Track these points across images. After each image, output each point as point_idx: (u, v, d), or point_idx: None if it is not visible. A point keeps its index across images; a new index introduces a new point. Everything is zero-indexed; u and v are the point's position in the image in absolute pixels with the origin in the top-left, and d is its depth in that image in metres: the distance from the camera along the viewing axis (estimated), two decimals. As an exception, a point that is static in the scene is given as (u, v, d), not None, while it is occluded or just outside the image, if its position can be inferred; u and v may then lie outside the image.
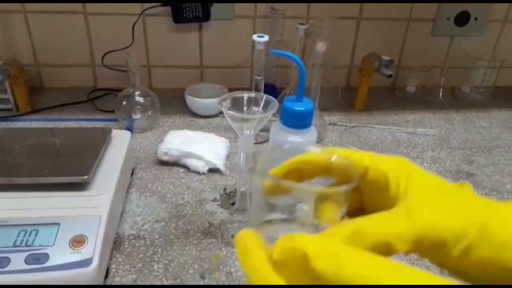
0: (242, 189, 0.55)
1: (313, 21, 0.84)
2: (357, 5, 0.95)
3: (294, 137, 0.57)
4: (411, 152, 0.79)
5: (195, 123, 0.86)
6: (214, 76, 0.99)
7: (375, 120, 0.90)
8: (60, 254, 0.45)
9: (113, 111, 0.87)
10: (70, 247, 0.46)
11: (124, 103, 0.80)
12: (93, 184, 0.54)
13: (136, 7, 0.88)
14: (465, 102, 1.02)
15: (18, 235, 0.47)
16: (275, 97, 0.74)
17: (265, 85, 0.92)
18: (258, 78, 0.74)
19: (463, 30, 1.00)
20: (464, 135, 0.88)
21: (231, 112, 0.47)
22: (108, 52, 0.89)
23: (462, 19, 0.99)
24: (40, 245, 0.46)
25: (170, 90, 0.95)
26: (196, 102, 0.86)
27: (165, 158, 0.71)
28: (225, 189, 0.67)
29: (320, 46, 0.74)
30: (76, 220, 0.49)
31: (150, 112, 0.82)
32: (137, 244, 0.55)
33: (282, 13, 0.86)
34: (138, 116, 0.81)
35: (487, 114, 0.97)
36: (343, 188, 0.27)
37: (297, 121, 0.54)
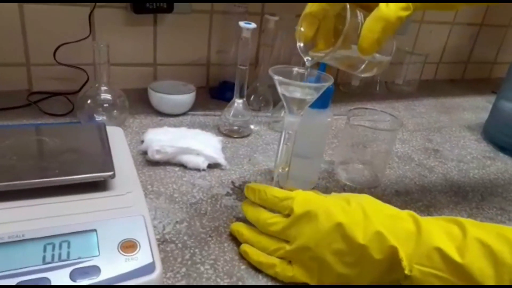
0: (281, 171, 0.52)
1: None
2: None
3: (312, 117, 0.56)
4: (379, 134, 0.84)
5: (165, 122, 0.79)
6: (167, 74, 0.92)
7: (336, 111, 0.94)
8: (112, 264, 0.37)
9: (62, 115, 0.75)
10: (121, 254, 0.38)
11: (88, 102, 0.69)
12: (115, 182, 0.45)
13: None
14: (398, 93, 1.14)
15: (45, 250, 0.37)
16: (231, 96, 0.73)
17: (228, 83, 0.90)
18: (243, 68, 0.72)
19: (391, 29, 1.12)
20: (413, 120, 0.97)
21: (297, 82, 0.44)
22: (62, 45, 0.76)
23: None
24: (79, 258, 0.37)
25: (123, 90, 0.85)
26: (165, 99, 0.79)
27: (157, 156, 0.63)
28: (233, 183, 0.62)
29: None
30: (115, 224, 0.40)
31: (115, 112, 0.72)
32: (168, 249, 0.48)
33: (246, 7, 0.85)
34: (103, 117, 0.71)
35: (420, 102, 1.09)
36: None
37: (317, 99, 0.53)
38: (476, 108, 1.12)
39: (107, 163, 0.45)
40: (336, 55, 0.44)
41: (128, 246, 0.39)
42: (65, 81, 0.82)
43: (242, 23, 0.69)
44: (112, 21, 0.83)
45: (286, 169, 0.52)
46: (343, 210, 0.43)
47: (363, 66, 0.46)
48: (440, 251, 0.38)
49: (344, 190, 0.64)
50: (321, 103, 0.56)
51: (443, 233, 0.39)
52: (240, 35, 0.70)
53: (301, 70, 0.49)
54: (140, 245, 0.39)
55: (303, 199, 0.45)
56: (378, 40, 0.41)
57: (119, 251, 0.38)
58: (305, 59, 0.47)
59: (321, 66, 0.53)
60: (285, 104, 0.48)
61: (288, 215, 0.45)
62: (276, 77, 0.45)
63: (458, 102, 1.15)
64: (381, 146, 0.66)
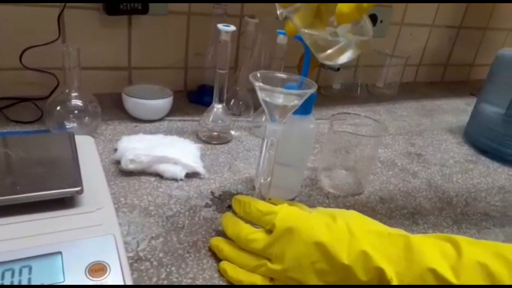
0: (263, 181, 0.49)
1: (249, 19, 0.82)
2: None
3: (295, 124, 0.54)
4: (362, 139, 0.83)
5: (141, 129, 0.75)
6: (143, 78, 0.89)
7: (318, 115, 0.92)
8: (79, 291, 0.34)
9: (30, 122, 0.71)
10: (89, 278, 0.35)
11: (58, 108, 0.65)
12: (84, 198, 0.42)
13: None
14: (379, 96, 1.13)
15: (2, 278, 0.33)
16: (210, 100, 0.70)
17: (206, 86, 0.87)
18: (222, 72, 0.69)
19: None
20: (394, 123, 0.96)
21: (279, 88, 0.41)
22: (28, 48, 0.71)
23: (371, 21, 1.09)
24: (42, 284, 0.33)
25: (94, 95, 0.81)
26: (140, 104, 0.76)
27: (131, 166, 0.60)
28: (212, 193, 0.59)
29: (282, 38, 0.73)
30: (83, 245, 0.37)
31: (87, 119, 0.68)
32: (142, 268, 0.45)
33: (224, 8, 0.82)
34: (74, 124, 0.67)
35: (401, 105, 1.09)
36: None
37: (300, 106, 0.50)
38: (456, 110, 1.12)
39: (75, 177, 0.42)
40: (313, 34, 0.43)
41: (97, 269, 0.36)
42: (33, 86, 0.77)
43: (220, 26, 0.66)
44: (84, 22, 0.79)
45: (269, 179, 0.49)
46: (327, 227, 0.41)
47: (337, 47, 0.43)
48: (434, 272, 0.35)
49: (328, 198, 0.62)
50: (304, 109, 0.54)
51: (436, 252, 0.37)
52: (218, 37, 0.67)
53: (283, 75, 0.47)
54: (110, 268, 0.36)
55: (286, 215, 0.43)
56: (358, 7, 0.39)
57: (86, 275, 0.35)
58: (278, 12, 0.46)
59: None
60: (266, 111, 0.45)
61: (270, 231, 0.43)
62: (257, 84, 0.42)
63: (438, 104, 1.15)
64: (365, 151, 0.65)
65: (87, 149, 0.51)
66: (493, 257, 0.35)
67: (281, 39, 0.73)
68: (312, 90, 0.43)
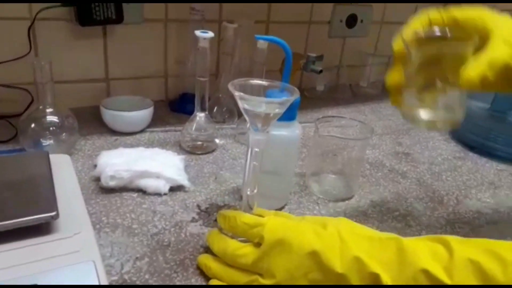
0: (249, 193, 0.47)
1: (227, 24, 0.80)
2: (265, 8, 0.96)
3: (279, 131, 0.53)
4: (349, 142, 0.82)
5: (121, 142, 0.73)
6: (122, 89, 0.86)
7: (302, 119, 0.91)
8: (56, 327, 0.31)
9: (5, 141, 0.67)
10: (68, 312, 0.32)
11: (32, 126, 0.62)
12: (60, 223, 0.39)
13: (22, 9, 0.70)
14: (363, 96, 1.12)
15: (-28, 317, 0.31)
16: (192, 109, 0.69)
17: (188, 95, 0.85)
18: (202, 79, 0.67)
19: (353, 31, 1.10)
20: (380, 122, 0.96)
21: (258, 97, 0.40)
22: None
23: (351, 21, 1.09)
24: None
25: (72, 109, 0.78)
26: (119, 117, 0.73)
27: (112, 183, 0.57)
28: (199, 206, 0.57)
29: (262, 43, 0.71)
30: (60, 274, 0.34)
31: (64, 135, 0.65)
32: (127, 292, 0.42)
33: (202, 14, 0.80)
34: (50, 141, 0.64)
35: (386, 104, 1.08)
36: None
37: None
38: (441, 106, 1.11)
39: (49, 201, 0.39)
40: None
41: (76, 300, 0.33)
42: (7, 103, 0.74)
43: (198, 32, 0.64)
44: (56, 35, 0.76)
45: (255, 190, 0.47)
46: (318, 235, 0.39)
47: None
48: (426, 273, 0.34)
49: (318, 204, 0.61)
50: (288, 115, 0.52)
51: (428, 253, 0.36)
52: (197, 44, 0.65)
53: (264, 82, 0.45)
54: (90, 298, 0.34)
55: (274, 226, 0.41)
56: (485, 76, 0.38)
57: (64, 309, 0.32)
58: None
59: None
60: (248, 120, 0.43)
61: (259, 244, 0.41)
62: (236, 93, 0.40)
63: (423, 101, 1.14)
64: (352, 153, 0.63)
65: (63, 168, 0.49)
66: (484, 254, 0.34)
67: (261, 43, 0.71)
68: (295, 97, 0.42)
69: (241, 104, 0.42)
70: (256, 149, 0.45)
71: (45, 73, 0.60)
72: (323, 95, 1.07)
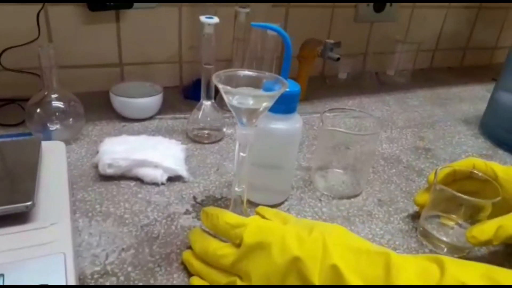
0: (237, 189, 0.45)
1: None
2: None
3: (278, 124, 0.50)
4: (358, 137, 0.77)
5: (128, 129, 0.72)
6: (136, 74, 0.85)
7: (319, 108, 0.87)
8: (16, 320, 0.31)
9: (15, 125, 0.69)
10: (29, 305, 0.32)
11: (38, 111, 0.63)
12: (38, 212, 0.39)
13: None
14: (390, 85, 1.06)
15: None
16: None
17: (197, 81, 0.83)
18: (208, 67, 0.65)
19: (381, 16, 1.04)
20: (404, 114, 0.90)
21: (244, 89, 0.37)
22: (8, 48, 0.69)
23: (379, 5, 1.02)
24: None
25: (84, 94, 0.78)
26: (127, 103, 0.73)
27: (109, 171, 0.57)
28: (194, 198, 0.56)
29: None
30: (28, 266, 0.34)
31: (71, 120, 0.66)
32: (108, 283, 0.42)
33: (216, -3, 0.78)
34: (57, 126, 0.64)
35: (414, 94, 1.02)
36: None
37: (281, 104, 0.45)
38: (475, 98, 1.04)
39: (27, 191, 0.39)
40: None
41: (39, 294, 0.33)
42: (19, 87, 0.75)
43: (203, 18, 0.62)
44: (69, 20, 0.76)
45: (244, 186, 0.45)
46: (300, 241, 0.36)
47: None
48: None
49: (320, 201, 0.58)
50: (286, 107, 0.49)
51: (417, 272, 0.32)
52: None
53: (252, 73, 0.42)
54: (54, 293, 0.33)
55: (256, 227, 0.39)
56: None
57: (27, 302, 0.32)
58: None
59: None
60: (234, 114, 0.41)
61: (239, 245, 0.39)
62: (221, 86, 0.38)
63: (456, 92, 1.07)
64: (365, 147, 0.59)
65: (55, 156, 0.48)
66: (481, 279, 0.30)
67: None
68: (282, 90, 0.39)
69: (226, 97, 0.39)
70: (244, 144, 0.43)
71: (50, 58, 0.60)
72: (346, 83, 1.02)
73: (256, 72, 0.42)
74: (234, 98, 0.39)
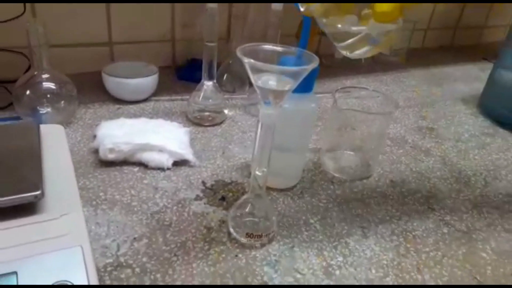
0: (258, 173, 0.43)
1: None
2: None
3: (292, 104, 0.47)
4: (370, 115, 0.76)
5: (124, 111, 0.68)
6: (126, 54, 0.81)
7: (319, 89, 0.85)
8: (36, 321, 0.28)
9: (1, 109, 0.64)
10: (49, 304, 0.29)
11: (28, 93, 0.58)
12: (46, 202, 0.35)
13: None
14: (385, 64, 1.04)
15: None
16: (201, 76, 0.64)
17: (197, 61, 0.79)
18: (210, 45, 0.61)
19: (376, -7, 1.02)
20: (403, 94, 0.89)
21: (272, 65, 0.34)
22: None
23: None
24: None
25: (71, 75, 0.73)
26: (122, 84, 0.68)
27: (111, 156, 0.53)
28: (204, 183, 0.53)
29: (277, 4, 0.64)
30: (43, 261, 0.31)
31: (63, 103, 0.61)
32: (122, 276, 0.39)
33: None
34: (48, 109, 0.60)
35: (409, 74, 1.01)
36: None
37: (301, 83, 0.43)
38: (469, 77, 1.04)
39: (34, 179, 0.35)
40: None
41: (59, 292, 0.30)
42: (3, 68, 0.69)
43: (206, -9, 0.58)
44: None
45: (265, 169, 0.43)
46: None
47: (358, 37, 0.41)
48: None
49: (333, 184, 0.56)
50: (304, 86, 0.47)
51: None
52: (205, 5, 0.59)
53: (278, 48, 0.39)
54: (75, 289, 0.30)
55: None
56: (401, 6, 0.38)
57: (46, 300, 0.29)
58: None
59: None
60: (259, 93, 0.38)
61: None
62: (246, 60, 0.35)
63: (449, 71, 1.07)
64: (373, 127, 0.58)
65: (56, 141, 0.44)
66: None
67: (276, 4, 0.65)
68: (312, 65, 0.36)
69: (251, 75, 0.37)
70: (267, 125, 0.40)
71: (40, 36, 0.56)
72: (342, 63, 1.00)
73: (282, 46, 0.39)
74: (271, 77, 0.36)
